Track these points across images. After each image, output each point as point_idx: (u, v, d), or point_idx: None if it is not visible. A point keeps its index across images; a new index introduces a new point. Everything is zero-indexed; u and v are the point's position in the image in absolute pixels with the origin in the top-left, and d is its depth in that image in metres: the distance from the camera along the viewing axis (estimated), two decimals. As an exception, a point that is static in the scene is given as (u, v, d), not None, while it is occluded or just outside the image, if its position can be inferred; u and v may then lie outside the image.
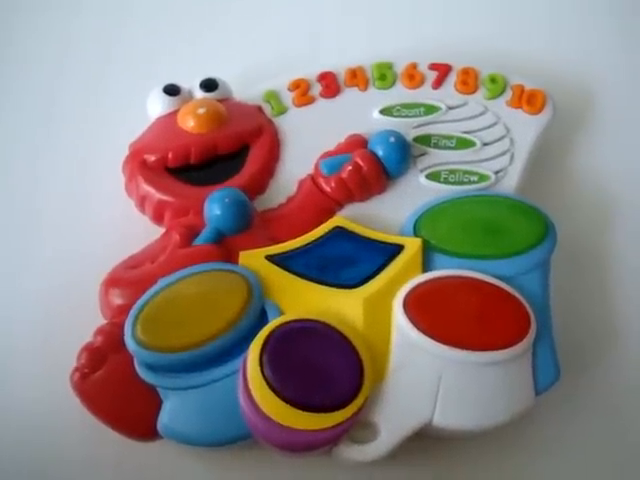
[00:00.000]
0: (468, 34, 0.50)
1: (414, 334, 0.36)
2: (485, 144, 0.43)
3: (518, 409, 0.36)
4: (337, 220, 0.40)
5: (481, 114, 0.43)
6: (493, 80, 0.44)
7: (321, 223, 0.40)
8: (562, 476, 0.38)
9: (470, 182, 0.42)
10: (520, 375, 0.36)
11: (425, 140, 0.43)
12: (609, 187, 0.45)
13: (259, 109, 0.44)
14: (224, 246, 0.39)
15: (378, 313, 0.37)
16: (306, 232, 0.39)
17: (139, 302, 0.37)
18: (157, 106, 0.43)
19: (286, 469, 0.38)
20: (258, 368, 0.34)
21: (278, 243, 0.39)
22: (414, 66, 0.45)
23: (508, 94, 0.44)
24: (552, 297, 0.39)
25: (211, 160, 0.42)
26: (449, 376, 0.35)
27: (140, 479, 0.38)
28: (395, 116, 0.43)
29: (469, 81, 0.44)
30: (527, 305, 0.37)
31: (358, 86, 0.44)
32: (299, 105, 0.44)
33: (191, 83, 0.44)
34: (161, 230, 0.41)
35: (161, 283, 0.37)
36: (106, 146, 0.45)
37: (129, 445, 0.36)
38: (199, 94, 0.44)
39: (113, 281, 0.39)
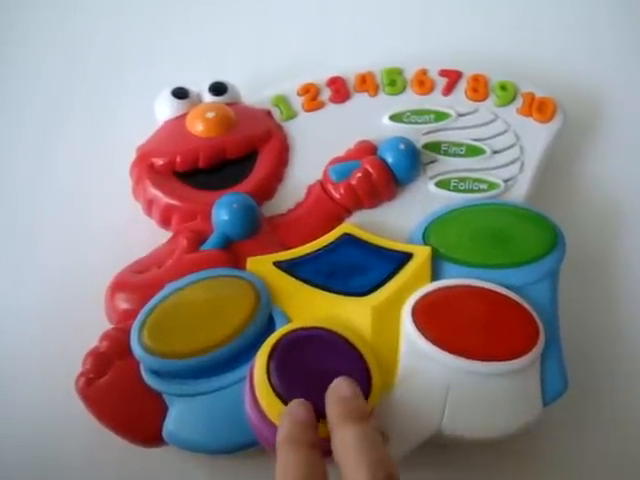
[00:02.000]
0: (479, 41, 0.50)
1: (422, 343, 0.36)
2: (495, 152, 0.42)
3: (526, 419, 0.35)
4: (346, 227, 0.40)
5: (491, 121, 0.43)
6: (503, 87, 0.44)
7: (330, 230, 0.40)
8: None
9: (480, 190, 0.41)
10: (528, 386, 0.36)
11: (435, 147, 0.42)
12: (618, 196, 0.45)
13: (268, 113, 0.44)
14: (232, 251, 0.39)
15: (386, 321, 0.37)
16: (314, 238, 0.39)
17: (146, 307, 0.37)
18: (165, 109, 0.43)
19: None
20: (265, 375, 0.34)
21: (286, 249, 0.39)
22: (424, 72, 0.45)
23: (518, 102, 0.44)
24: (559, 306, 0.38)
25: (219, 164, 0.42)
26: (457, 386, 0.35)
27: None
28: (405, 122, 0.43)
29: (479, 88, 0.44)
30: (536, 315, 0.37)
31: (368, 91, 0.44)
32: (308, 110, 0.44)
33: (200, 86, 0.44)
34: (168, 234, 0.41)
35: (168, 288, 0.37)
36: (113, 149, 0.45)
37: (133, 451, 0.36)
38: (208, 98, 0.44)
39: (119, 285, 0.39)
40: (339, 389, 0.33)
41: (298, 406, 0.32)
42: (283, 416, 0.32)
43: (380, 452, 0.30)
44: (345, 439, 0.30)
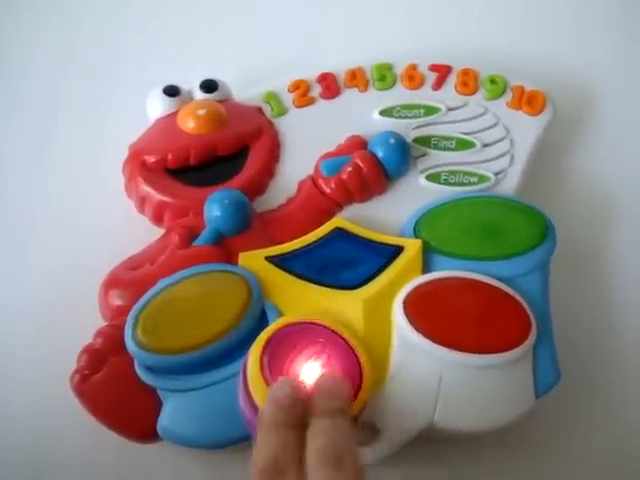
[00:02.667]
0: (468, 35, 0.50)
1: (414, 336, 0.36)
2: (485, 145, 0.43)
3: (518, 411, 0.36)
4: (337, 221, 0.40)
5: (481, 115, 0.43)
6: (493, 81, 0.44)
7: (321, 224, 0.40)
8: (562, 477, 0.38)
9: (470, 183, 0.42)
10: (520, 377, 0.36)
11: (425, 141, 0.43)
12: (608, 189, 0.45)
13: (259, 110, 0.44)
14: (224, 247, 0.39)
15: (378, 314, 0.37)
16: (306, 233, 0.39)
17: (139, 303, 0.37)
18: (157, 107, 0.43)
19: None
20: (258, 370, 0.34)
21: (278, 244, 0.39)
22: (414, 67, 0.45)
23: (508, 95, 0.44)
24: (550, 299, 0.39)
25: (211, 161, 0.42)
26: (449, 378, 0.35)
27: (139, 481, 0.38)
28: (395, 117, 0.43)
29: (469, 82, 0.44)
30: (527, 307, 0.37)
31: (358, 87, 0.44)
32: (299, 106, 0.44)
33: (191, 84, 0.44)
34: (161, 231, 0.41)
35: (161, 284, 0.37)
36: (106, 147, 0.45)
37: (129, 447, 0.36)
38: (199, 95, 0.44)
39: (113, 282, 0.39)
40: (322, 384, 0.33)
41: (280, 387, 0.32)
42: (267, 396, 0.32)
43: (340, 440, 0.30)
44: (314, 429, 0.31)
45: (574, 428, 0.39)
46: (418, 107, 0.43)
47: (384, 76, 0.44)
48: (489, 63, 0.45)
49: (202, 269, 0.38)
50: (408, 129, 0.43)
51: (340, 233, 0.39)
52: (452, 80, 0.44)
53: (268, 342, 0.35)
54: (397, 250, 0.39)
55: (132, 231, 0.42)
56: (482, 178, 0.42)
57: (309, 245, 0.39)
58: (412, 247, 0.39)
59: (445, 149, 0.42)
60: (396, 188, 0.42)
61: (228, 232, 0.39)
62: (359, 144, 0.42)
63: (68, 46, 0.51)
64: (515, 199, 0.41)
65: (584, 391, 0.40)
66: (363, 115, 0.43)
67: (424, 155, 0.42)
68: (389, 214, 0.41)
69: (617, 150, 0.46)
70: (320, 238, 0.39)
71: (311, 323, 0.36)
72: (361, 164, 0.40)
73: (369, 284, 0.38)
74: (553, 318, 0.38)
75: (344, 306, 0.37)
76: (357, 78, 0.44)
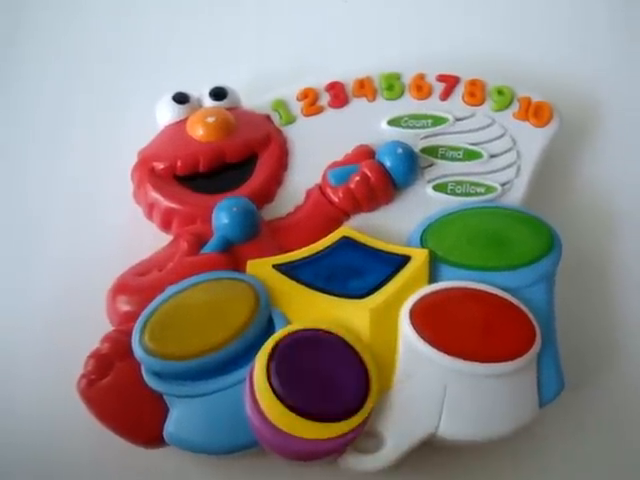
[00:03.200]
0: (476, 46, 0.50)
1: (420, 345, 0.36)
2: (492, 156, 0.43)
3: (522, 421, 0.36)
4: (344, 230, 0.40)
5: (488, 126, 0.44)
6: (500, 92, 0.44)
7: (328, 233, 0.40)
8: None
9: (477, 194, 0.42)
10: (524, 387, 0.36)
11: (432, 151, 0.43)
12: (614, 200, 0.45)
13: (267, 118, 0.44)
14: (232, 255, 0.39)
15: (384, 323, 0.37)
16: (313, 242, 0.39)
17: (147, 310, 0.37)
18: (166, 114, 0.44)
19: (291, 478, 0.38)
20: (265, 377, 0.34)
21: (286, 252, 0.39)
22: (422, 77, 0.45)
23: (515, 106, 0.44)
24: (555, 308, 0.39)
25: (219, 168, 0.42)
26: (454, 387, 0.36)
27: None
28: (403, 127, 0.43)
29: (477, 93, 0.44)
30: (532, 317, 0.37)
31: (366, 96, 0.45)
32: (307, 115, 0.44)
33: (200, 91, 0.44)
34: (169, 238, 0.41)
35: (169, 291, 0.37)
36: (115, 153, 0.45)
37: (135, 452, 0.36)
38: (208, 102, 0.44)
39: (120, 288, 0.39)
40: None
41: None
42: None
43: None
44: None
45: (577, 438, 0.39)
46: (426, 117, 0.44)
47: (392, 85, 0.45)
48: (496, 74, 0.45)
49: (210, 276, 0.38)
50: (416, 139, 0.43)
51: (347, 242, 0.39)
52: (460, 90, 0.44)
53: (275, 349, 0.35)
54: (404, 260, 0.39)
55: (140, 237, 0.42)
56: (489, 189, 0.42)
57: (317, 254, 0.39)
58: (419, 257, 0.39)
59: (452, 159, 0.42)
60: (403, 198, 0.42)
61: (236, 240, 0.39)
62: (367, 153, 0.42)
63: (78, 51, 0.51)
64: (521, 210, 0.41)
65: (588, 400, 0.40)
66: (371, 124, 0.43)
67: (431, 165, 0.42)
68: (396, 223, 0.41)
69: (624, 161, 0.46)
70: (327, 247, 0.39)
71: (318, 330, 0.36)
72: (369, 173, 0.41)
73: (376, 293, 0.38)
74: (557, 327, 0.38)
75: (351, 315, 0.37)
76: (365, 87, 0.45)
